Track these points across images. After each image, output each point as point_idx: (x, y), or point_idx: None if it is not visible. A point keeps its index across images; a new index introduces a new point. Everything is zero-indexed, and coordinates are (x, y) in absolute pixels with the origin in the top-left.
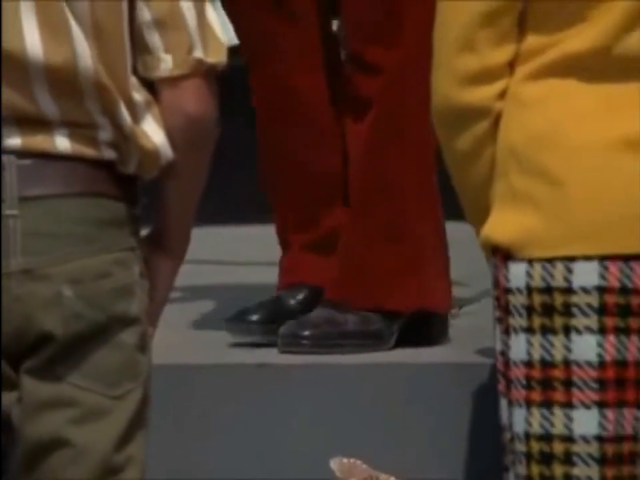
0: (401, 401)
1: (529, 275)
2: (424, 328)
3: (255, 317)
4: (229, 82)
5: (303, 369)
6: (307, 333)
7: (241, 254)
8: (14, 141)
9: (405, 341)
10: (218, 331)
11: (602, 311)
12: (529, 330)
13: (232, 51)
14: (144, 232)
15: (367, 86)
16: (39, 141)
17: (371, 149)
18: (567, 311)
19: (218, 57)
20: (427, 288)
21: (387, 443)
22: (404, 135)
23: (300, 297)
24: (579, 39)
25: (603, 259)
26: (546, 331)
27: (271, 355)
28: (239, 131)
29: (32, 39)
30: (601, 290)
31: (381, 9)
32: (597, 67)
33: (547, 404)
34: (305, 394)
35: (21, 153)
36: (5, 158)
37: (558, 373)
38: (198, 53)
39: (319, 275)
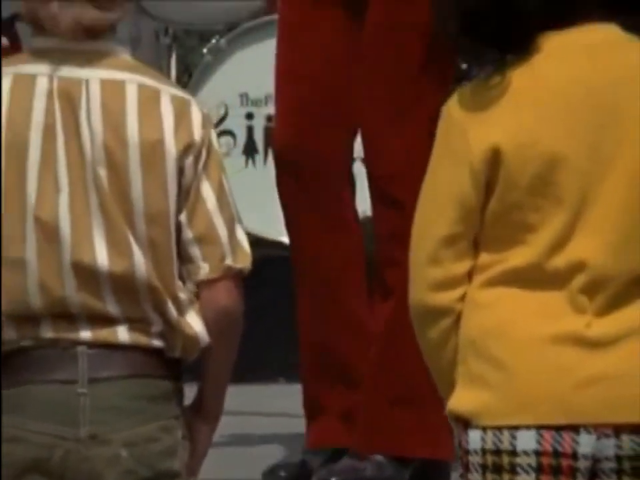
0: None
1: (483, 439)
2: (430, 474)
3: (283, 474)
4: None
5: None
6: (334, 479)
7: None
8: (85, 334)
9: None
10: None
11: (539, 470)
12: None
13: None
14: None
15: (388, 221)
16: (104, 334)
17: (390, 330)
18: (512, 469)
19: (244, 263)
20: (433, 440)
21: None
22: None
23: (322, 459)
24: (518, 257)
25: (539, 428)
26: None
27: None
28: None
29: (101, 253)
30: (538, 453)
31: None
32: (533, 278)
33: None
34: None
35: (90, 344)
36: (79, 349)
37: None
38: (229, 261)
39: (342, 440)
